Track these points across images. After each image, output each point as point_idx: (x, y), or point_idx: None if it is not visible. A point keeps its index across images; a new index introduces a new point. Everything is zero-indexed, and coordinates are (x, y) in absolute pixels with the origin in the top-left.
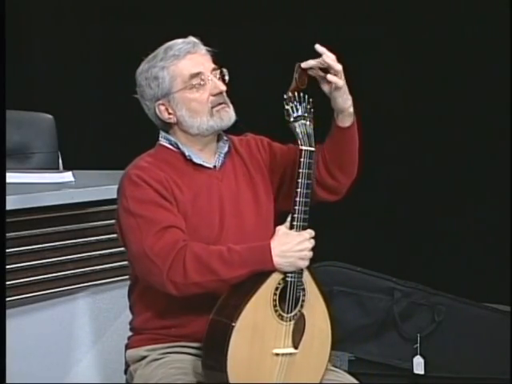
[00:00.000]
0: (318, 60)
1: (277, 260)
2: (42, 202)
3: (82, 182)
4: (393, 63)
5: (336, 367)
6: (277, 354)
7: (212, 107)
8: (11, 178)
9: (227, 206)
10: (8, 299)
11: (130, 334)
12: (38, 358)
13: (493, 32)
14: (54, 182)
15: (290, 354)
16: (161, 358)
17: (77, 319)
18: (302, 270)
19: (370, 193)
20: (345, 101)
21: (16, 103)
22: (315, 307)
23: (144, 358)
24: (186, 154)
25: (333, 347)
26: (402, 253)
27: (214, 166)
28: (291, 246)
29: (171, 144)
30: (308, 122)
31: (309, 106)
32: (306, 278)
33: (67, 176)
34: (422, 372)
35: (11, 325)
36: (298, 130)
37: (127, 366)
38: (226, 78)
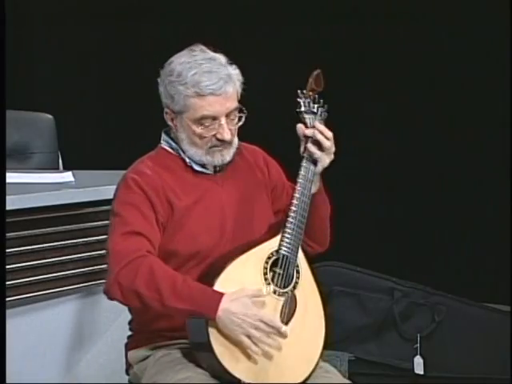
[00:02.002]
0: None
1: (220, 313)
2: (42, 202)
3: (81, 182)
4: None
5: (335, 367)
6: None
7: (210, 147)
8: (11, 178)
9: (228, 212)
10: (8, 299)
11: (129, 333)
12: (38, 358)
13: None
14: (54, 182)
15: None
16: (170, 354)
17: (77, 319)
18: (295, 246)
19: (369, 193)
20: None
21: (16, 103)
22: (309, 294)
23: (148, 356)
24: (187, 161)
25: (326, 344)
26: (402, 253)
27: (215, 171)
28: (240, 310)
29: (172, 148)
30: (318, 120)
31: (322, 109)
32: (303, 263)
33: (67, 176)
34: (422, 372)
35: (11, 325)
36: (306, 120)
37: (129, 366)
38: (242, 121)
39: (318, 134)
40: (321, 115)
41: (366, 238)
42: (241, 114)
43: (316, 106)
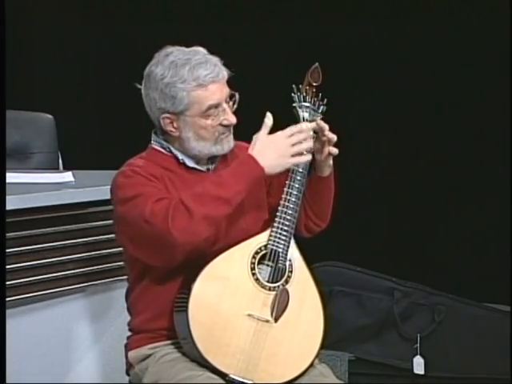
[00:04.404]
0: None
1: (263, 163)
2: (42, 202)
3: (82, 182)
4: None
5: (335, 367)
6: (251, 318)
7: (218, 136)
8: (11, 178)
9: None
10: (8, 299)
11: (129, 334)
12: (38, 358)
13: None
14: (54, 182)
15: (268, 321)
16: (171, 353)
17: (77, 319)
18: (285, 240)
19: (369, 193)
20: (329, 159)
21: (16, 103)
22: (305, 290)
23: (148, 356)
24: (180, 157)
25: (324, 343)
26: (402, 253)
27: (208, 169)
28: (270, 147)
29: (163, 147)
30: (312, 112)
31: (319, 103)
32: (297, 259)
33: (67, 176)
34: (422, 372)
35: (11, 325)
36: (300, 114)
37: (129, 366)
38: (235, 105)
39: (329, 134)
40: (318, 109)
41: (366, 238)
42: (235, 97)
43: (313, 100)
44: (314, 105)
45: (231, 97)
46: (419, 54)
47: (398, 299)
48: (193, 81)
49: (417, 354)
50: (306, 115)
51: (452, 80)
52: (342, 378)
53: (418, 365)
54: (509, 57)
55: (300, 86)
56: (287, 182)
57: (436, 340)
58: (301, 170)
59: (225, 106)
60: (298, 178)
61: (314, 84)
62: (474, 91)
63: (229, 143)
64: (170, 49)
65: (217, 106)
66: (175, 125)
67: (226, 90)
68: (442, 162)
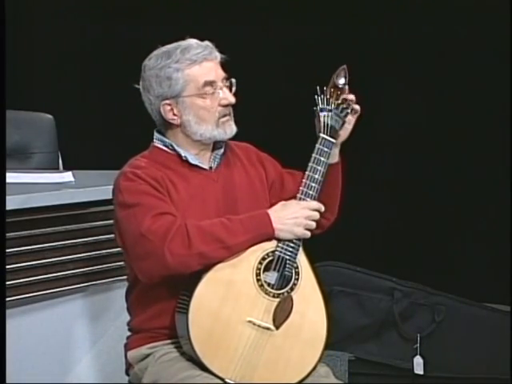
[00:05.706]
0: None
1: (276, 225)
2: (42, 202)
3: (82, 182)
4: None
5: (335, 367)
6: (252, 324)
7: (219, 118)
8: (11, 178)
9: (223, 207)
10: (8, 299)
11: (128, 334)
12: (38, 358)
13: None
14: (54, 182)
15: (269, 329)
16: (170, 353)
17: (77, 319)
18: (293, 248)
19: (370, 192)
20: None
21: (16, 103)
22: (310, 298)
23: (147, 356)
24: (182, 154)
25: (326, 347)
26: (402, 253)
27: (210, 168)
28: (287, 212)
29: (166, 145)
30: (335, 117)
31: (342, 106)
32: (304, 267)
33: (67, 176)
34: (422, 372)
35: (11, 325)
36: (321, 118)
37: (129, 366)
38: (233, 88)
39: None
40: (341, 113)
41: (366, 238)
42: (231, 81)
43: (336, 103)
44: (337, 109)
45: (227, 80)
46: (420, 54)
47: (397, 299)
48: (186, 60)
49: (417, 354)
50: (328, 120)
51: (453, 81)
52: (342, 378)
53: (418, 365)
54: None
55: (325, 87)
56: (300, 187)
57: (436, 340)
58: (316, 177)
59: (221, 85)
60: (313, 184)
61: (340, 86)
62: (476, 92)
63: (231, 127)
64: (160, 47)
65: (212, 83)
66: (175, 111)
67: (221, 72)
68: (442, 161)
